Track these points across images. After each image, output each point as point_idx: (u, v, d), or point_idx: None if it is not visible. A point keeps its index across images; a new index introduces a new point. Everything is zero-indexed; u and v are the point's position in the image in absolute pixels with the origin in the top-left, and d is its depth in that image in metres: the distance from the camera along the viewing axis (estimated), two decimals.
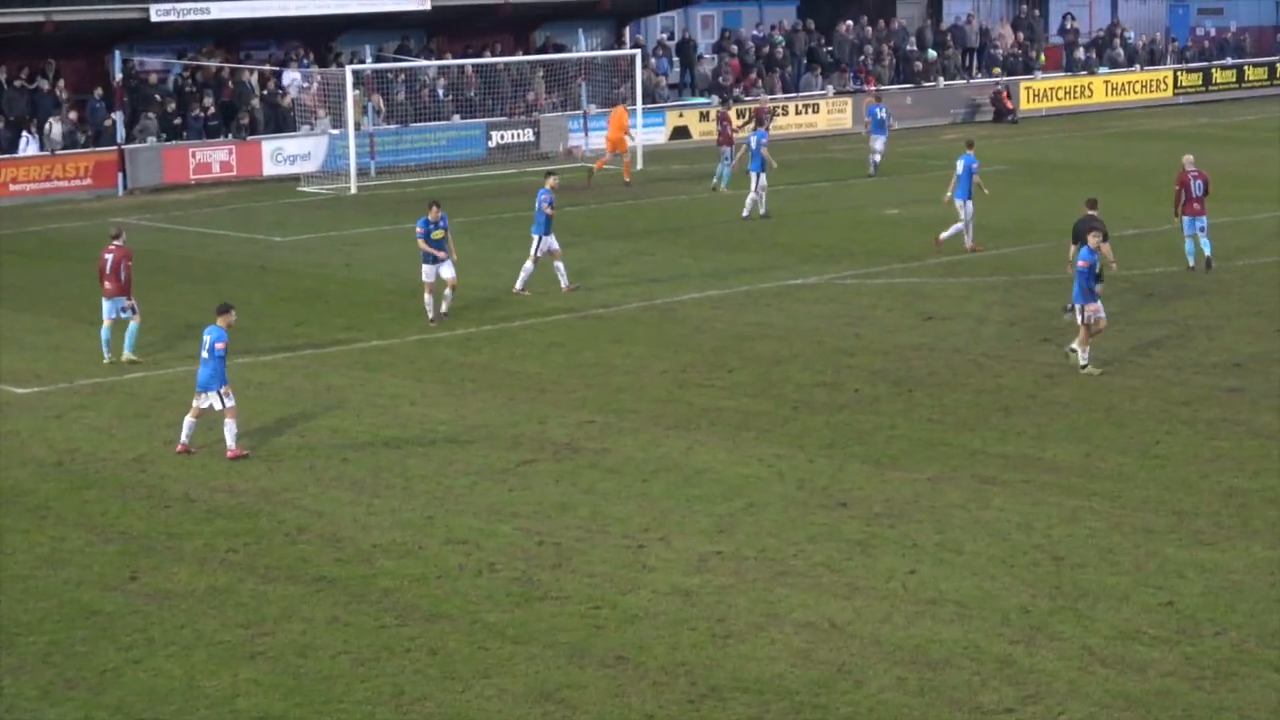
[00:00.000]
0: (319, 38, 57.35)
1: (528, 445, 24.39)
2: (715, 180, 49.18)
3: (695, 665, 16.95)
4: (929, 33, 70.02)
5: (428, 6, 56.52)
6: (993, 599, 18.46)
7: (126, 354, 29.28)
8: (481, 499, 22.12)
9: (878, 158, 52.50)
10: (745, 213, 43.39)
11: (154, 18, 51.52)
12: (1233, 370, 27.88)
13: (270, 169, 52.44)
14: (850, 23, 68.36)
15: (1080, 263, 27.77)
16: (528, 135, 57.12)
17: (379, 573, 19.57)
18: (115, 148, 50.07)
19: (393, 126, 54.96)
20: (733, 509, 21.53)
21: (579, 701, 16.23)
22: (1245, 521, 20.82)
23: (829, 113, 63.80)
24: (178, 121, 51.81)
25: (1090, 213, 31.35)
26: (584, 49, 58.82)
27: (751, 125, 52.01)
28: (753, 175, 43.34)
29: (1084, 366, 27.67)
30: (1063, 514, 21.15)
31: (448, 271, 31.98)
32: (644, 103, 56.43)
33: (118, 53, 51.16)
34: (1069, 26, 74.67)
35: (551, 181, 35.21)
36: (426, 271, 32.05)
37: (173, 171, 50.94)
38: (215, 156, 51.69)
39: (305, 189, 50.64)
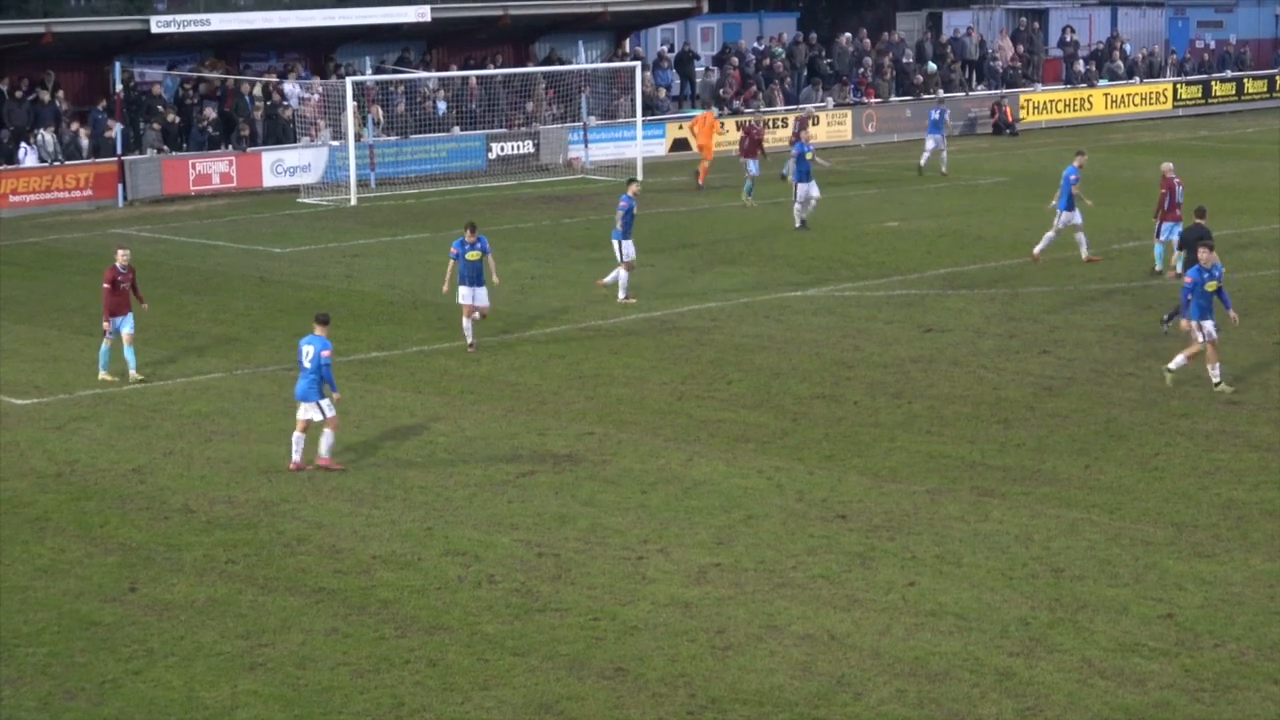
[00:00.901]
0: (319, 49, 57.42)
1: (527, 457, 24.40)
2: (748, 198, 48.46)
3: (695, 677, 16.95)
4: (928, 45, 70.09)
5: (428, 18, 56.58)
6: (992, 611, 18.46)
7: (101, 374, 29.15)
8: (481, 510, 22.12)
9: (927, 155, 54.30)
10: (797, 223, 43.37)
11: (154, 29, 51.64)
12: (1231, 383, 27.84)
13: (270, 180, 52.48)
14: (849, 35, 68.44)
15: (1186, 279, 27.56)
16: (528, 147, 57.15)
17: (378, 584, 19.57)
18: (115, 159, 50.10)
19: (393, 138, 54.99)
20: (732, 521, 21.54)
21: (578, 714, 16.23)
22: (1244, 534, 20.83)
23: (829, 125, 63.81)
24: (177, 121, 51.81)
25: (1199, 221, 31.12)
26: (584, 61, 58.88)
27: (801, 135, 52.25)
28: (799, 185, 43.14)
29: (1217, 384, 27.20)
30: (1062, 526, 21.15)
31: (480, 299, 30.71)
32: (643, 115, 56.49)
33: (118, 64, 51.22)
34: (1068, 39, 74.72)
35: (633, 189, 35.15)
36: (462, 294, 30.61)
37: (172, 183, 50.96)
38: (215, 168, 51.72)
39: (305, 200, 50.65)
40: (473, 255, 30.67)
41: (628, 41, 64.18)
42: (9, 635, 18.24)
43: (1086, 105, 71.29)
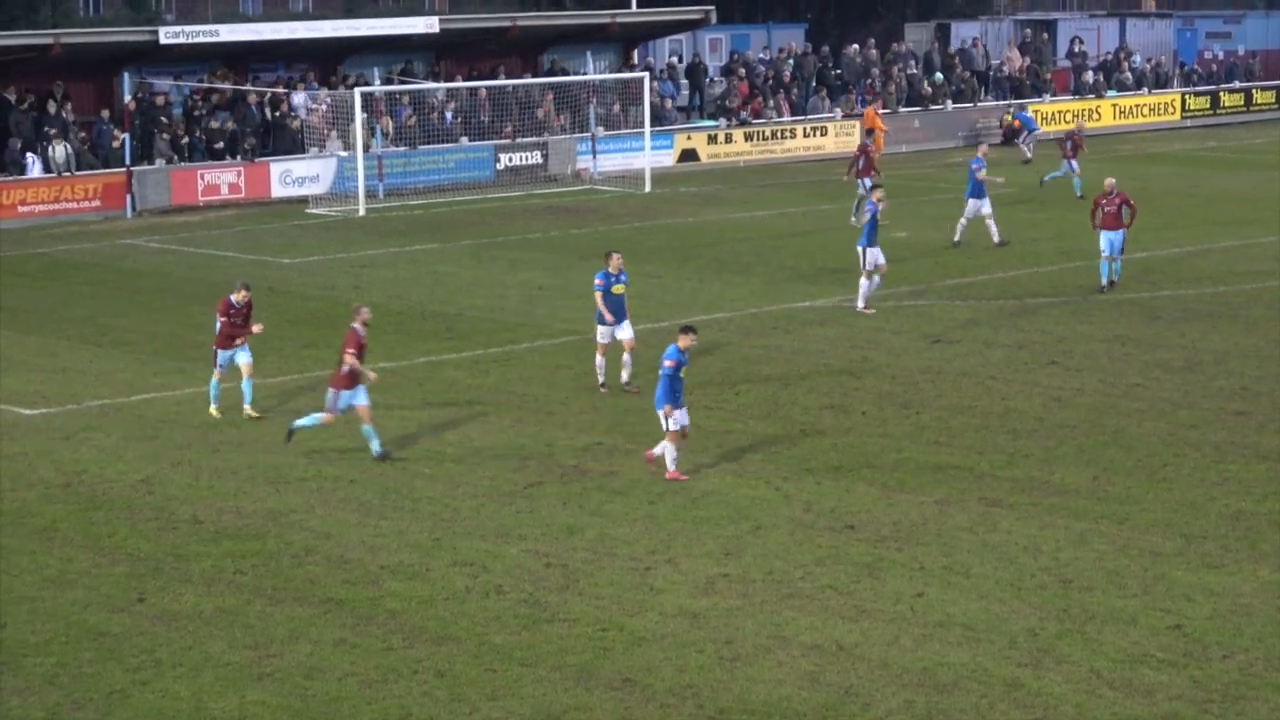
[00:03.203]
0: (327, 60, 57.49)
1: (535, 467, 24.39)
2: (853, 218, 45.75)
3: (703, 688, 16.93)
4: (936, 56, 70.13)
5: (436, 29, 56.64)
6: (1000, 622, 18.44)
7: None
8: (489, 521, 22.12)
9: (1028, 150, 60.73)
10: (956, 238, 42.21)
11: (163, 40, 51.71)
12: (1239, 393, 27.85)
13: (278, 191, 52.51)
14: (857, 46, 68.48)
15: None
16: (536, 157, 57.15)
17: (386, 594, 19.57)
18: (124, 169, 50.13)
19: (401, 149, 55.03)
20: (740, 531, 21.52)
21: None
22: (1253, 544, 20.80)
23: (836, 135, 63.83)
24: (185, 140, 51.90)
25: None
26: (592, 72, 58.86)
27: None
28: (971, 202, 42.01)
29: None
30: (1070, 537, 21.13)
31: (625, 332, 28.28)
32: (651, 125, 56.50)
33: (126, 75, 51.29)
34: (1077, 50, 74.74)
35: (877, 195, 34.96)
36: (601, 332, 28.28)
37: (181, 193, 51.00)
38: (223, 178, 51.77)
39: (313, 211, 50.68)
40: (618, 289, 28.30)
41: (636, 53, 64.22)
42: (17, 645, 18.25)
43: (1095, 116, 71.29)
